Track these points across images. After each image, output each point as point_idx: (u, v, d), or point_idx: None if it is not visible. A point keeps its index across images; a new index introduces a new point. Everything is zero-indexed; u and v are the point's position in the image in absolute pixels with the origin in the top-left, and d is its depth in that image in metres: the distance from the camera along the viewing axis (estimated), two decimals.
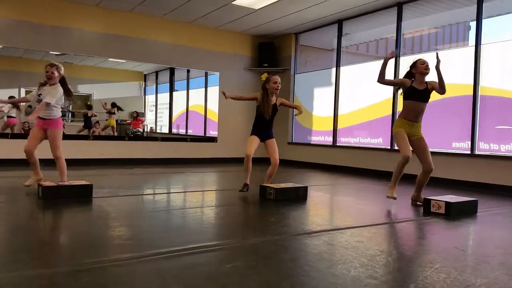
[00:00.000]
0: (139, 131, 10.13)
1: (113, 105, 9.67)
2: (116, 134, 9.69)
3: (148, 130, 10.56)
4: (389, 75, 7.00)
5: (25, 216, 3.49)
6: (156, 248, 2.49)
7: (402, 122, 4.29)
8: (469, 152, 6.00)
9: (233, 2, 7.04)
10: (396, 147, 6.93)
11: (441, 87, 4.15)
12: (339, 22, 8.09)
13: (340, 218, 3.92)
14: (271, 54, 9.27)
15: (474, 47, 6.01)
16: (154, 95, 10.85)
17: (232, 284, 1.96)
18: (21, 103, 6.85)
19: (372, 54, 9.39)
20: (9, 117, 8.33)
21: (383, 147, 7.28)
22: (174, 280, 1.98)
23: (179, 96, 10.62)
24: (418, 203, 4.39)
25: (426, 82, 4.24)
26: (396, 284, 2.03)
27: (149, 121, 10.72)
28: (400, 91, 4.40)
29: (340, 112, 8.19)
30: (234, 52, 9.19)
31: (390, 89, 6.99)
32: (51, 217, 3.50)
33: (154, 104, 10.87)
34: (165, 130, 10.71)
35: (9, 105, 7.25)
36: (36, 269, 2.08)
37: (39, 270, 2.07)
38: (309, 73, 9.07)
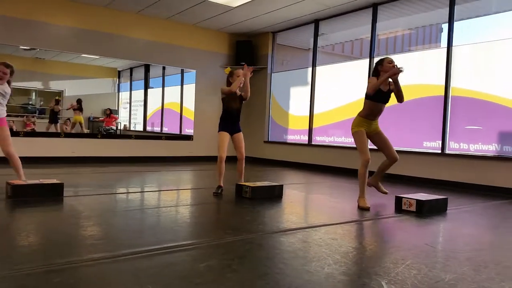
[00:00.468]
0: (112, 129, 9.95)
1: (79, 101, 9.44)
2: (85, 130, 9.47)
3: (122, 127, 10.39)
4: (365, 75, 7.14)
5: None
6: (130, 247, 2.46)
7: (362, 120, 4.23)
8: (439, 151, 6.16)
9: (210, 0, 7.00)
10: (369, 146, 7.05)
11: (399, 97, 4.15)
12: (316, 22, 8.16)
13: (315, 216, 3.96)
14: (249, 52, 9.26)
15: (446, 48, 6.17)
16: (128, 92, 10.67)
17: (207, 283, 1.96)
18: None
19: (347, 55, 9.51)
20: None
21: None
22: (148, 279, 1.96)
23: (154, 93, 10.48)
24: (374, 187, 4.47)
25: (389, 83, 4.18)
26: (369, 280, 2.06)
27: (122, 119, 10.53)
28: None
29: (315, 111, 8.26)
30: (211, 50, 9.14)
31: (364, 89, 7.10)
32: (20, 216, 3.39)
33: (128, 101, 10.69)
34: (140, 128, 10.55)
35: None
36: (4, 271, 2.02)
37: (7, 271, 2.01)
38: (285, 72, 9.11)
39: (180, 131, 9.72)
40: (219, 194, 4.59)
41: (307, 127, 8.37)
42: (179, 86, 9.86)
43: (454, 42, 6.10)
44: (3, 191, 4.01)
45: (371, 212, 4.08)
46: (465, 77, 6.00)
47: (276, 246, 2.68)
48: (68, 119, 9.32)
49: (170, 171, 6.98)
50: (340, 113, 7.76)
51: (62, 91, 9.52)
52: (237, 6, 7.29)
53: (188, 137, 9.15)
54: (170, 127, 10.07)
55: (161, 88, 10.34)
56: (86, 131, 9.44)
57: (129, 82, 10.62)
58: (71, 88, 9.56)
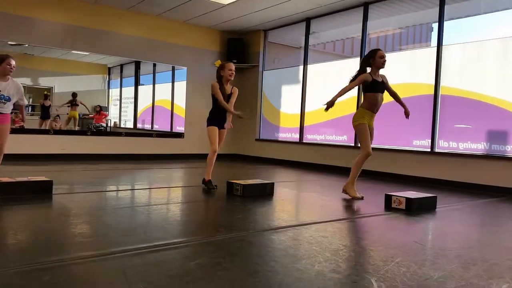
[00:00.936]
0: (102, 126, 9.87)
1: (74, 95, 9.35)
2: (77, 127, 9.39)
3: (112, 124, 10.31)
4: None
5: None
6: (119, 245, 2.44)
7: (365, 112, 4.43)
8: (429, 149, 6.21)
9: None
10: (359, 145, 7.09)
11: (396, 98, 4.56)
12: (307, 20, 8.16)
13: (306, 213, 3.97)
14: (240, 50, 9.25)
15: (436, 48, 6.21)
16: (119, 89, 10.59)
17: (197, 281, 1.95)
18: None
19: (338, 53, 9.54)
20: None
21: (347, 144, 7.42)
22: (138, 277, 1.95)
23: (145, 90, 10.41)
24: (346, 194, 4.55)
25: (380, 75, 4.45)
26: (359, 278, 2.07)
27: (112, 116, 10.45)
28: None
29: (307, 109, 8.28)
30: (203, 47, 9.10)
31: (355, 88, 7.13)
32: (8, 214, 3.35)
33: (118, 98, 10.61)
34: (130, 125, 10.48)
35: None
36: None
37: None
38: (277, 70, 9.11)
39: (171, 128, 9.68)
40: (215, 188, 4.63)
41: (299, 125, 8.39)
42: (170, 83, 9.81)
43: (444, 42, 6.15)
44: None
45: (362, 210, 4.10)
46: (455, 76, 6.05)
47: (267, 244, 2.68)
48: (58, 116, 9.22)
49: (161, 168, 6.95)
50: (331, 112, 7.74)
51: (52, 87, 9.41)
52: (228, 4, 7.27)
53: (179, 135, 9.12)
54: (161, 125, 10.01)
55: (151, 85, 10.27)
56: (76, 128, 9.36)
57: (119, 79, 10.53)
58: (60, 85, 9.45)
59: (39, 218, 3.24)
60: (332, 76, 7.78)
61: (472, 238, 3.21)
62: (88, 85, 10.02)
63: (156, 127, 10.12)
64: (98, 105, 9.88)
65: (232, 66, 4.73)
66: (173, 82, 9.77)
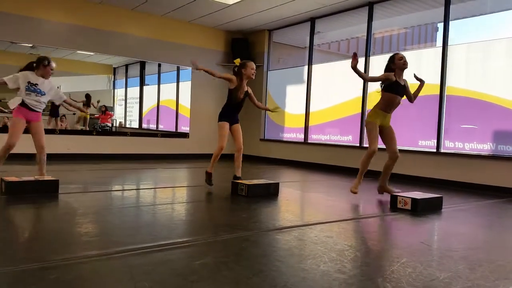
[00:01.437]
0: (108, 126, 9.91)
1: (88, 97, 9.40)
2: (87, 128, 9.44)
3: (117, 124, 10.35)
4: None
5: None
6: (125, 245, 2.45)
7: (378, 113, 4.48)
8: (435, 150, 6.19)
9: None
10: (365, 144, 7.07)
11: (413, 97, 4.52)
12: (312, 20, 8.15)
13: (310, 214, 3.96)
14: (244, 50, 9.24)
15: (441, 47, 6.18)
16: (124, 89, 10.63)
17: (202, 280, 1.95)
18: None
19: (343, 53, 9.52)
20: None
21: (352, 144, 7.40)
22: (143, 277, 1.95)
23: (150, 90, 10.45)
24: (385, 193, 4.54)
25: (403, 79, 4.48)
26: (364, 278, 2.07)
27: (118, 116, 10.50)
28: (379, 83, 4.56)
29: (311, 109, 8.27)
30: (207, 47, 9.11)
31: (360, 87, 7.13)
32: (15, 213, 3.38)
33: (124, 98, 10.65)
34: (135, 125, 10.52)
35: None
36: (0, 267, 2.01)
37: (3, 267, 2.00)
38: (281, 70, 9.11)
39: (176, 128, 9.70)
40: (211, 185, 4.72)
41: (303, 125, 8.38)
42: (175, 83, 9.83)
43: (450, 42, 6.12)
44: None
45: (367, 210, 4.09)
46: (461, 76, 6.02)
47: (272, 244, 2.68)
48: (64, 115, 9.27)
49: (166, 168, 6.96)
50: (336, 112, 7.77)
51: (58, 87, 9.45)
52: (233, 4, 7.27)
53: (184, 135, 9.13)
54: (166, 125, 10.04)
55: (156, 85, 10.30)
56: (81, 127, 9.41)
57: (124, 79, 10.58)
58: (66, 85, 9.50)
59: (45, 217, 3.26)
60: (337, 76, 7.77)
61: (478, 239, 3.19)
62: (93, 85, 10.07)
63: (161, 127, 10.15)
64: (104, 105, 9.93)
65: (254, 65, 4.78)
66: (178, 82, 9.79)
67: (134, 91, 10.53)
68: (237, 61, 4.78)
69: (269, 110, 5.20)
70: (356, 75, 4.38)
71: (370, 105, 7.03)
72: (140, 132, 9.65)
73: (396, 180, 6.30)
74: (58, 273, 1.95)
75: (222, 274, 2.04)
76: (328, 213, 3.86)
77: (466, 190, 5.55)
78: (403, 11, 7.06)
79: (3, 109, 7.98)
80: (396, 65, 4.38)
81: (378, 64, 6.58)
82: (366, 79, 4.50)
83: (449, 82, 6.12)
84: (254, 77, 4.79)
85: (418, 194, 4.14)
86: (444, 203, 4.23)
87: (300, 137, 8.46)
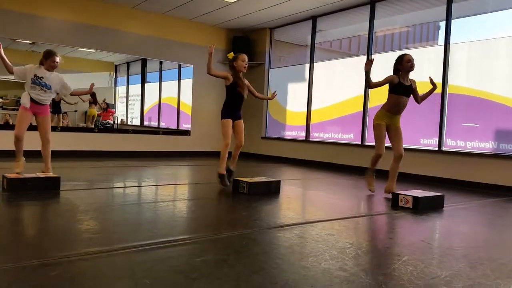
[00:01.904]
0: (109, 123, 9.91)
1: (93, 94, 9.40)
2: (82, 124, 9.44)
3: (119, 122, 10.35)
4: (362, 72, 7.12)
5: None
6: (126, 242, 2.45)
7: (384, 114, 4.53)
8: (436, 148, 6.18)
9: None
10: (366, 143, 7.07)
11: (421, 99, 4.57)
12: (313, 19, 8.14)
13: (312, 211, 3.96)
14: (246, 48, 9.22)
15: (443, 46, 6.17)
16: (125, 87, 10.63)
17: (203, 277, 1.95)
18: None
19: (344, 51, 9.51)
20: None
21: (354, 142, 7.40)
22: (144, 273, 1.96)
23: (151, 88, 10.44)
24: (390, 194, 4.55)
25: (409, 79, 4.51)
26: (365, 276, 2.07)
27: (119, 113, 10.50)
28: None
29: (313, 107, 8.26)
30: (208, 45, 9.09)
31: (361, 86, 7.11)
32: (16, 210, 3.38)
33: (125, 95, 10.65)
34: (137, 122, 10.52)
35: None
36: (0, 264, 2.01)
37: (3, 264, 2.00)
38: (283, 68, 9.10)
39: (178, 126, 9.70)
40: (228, 185, 4.64)
41: (305, 123, 8.37)
42: (177, 81, 9.83)
43: (452, 40, 6.10)
44: None
45: (368, 208, 4.09)
46: (462, 74, 6.01)
47: (272, 242, 2.68)
48: (65, 112, 9.27)
49: (167, 166, 6.97)
50: (338, 110, 7.76)
51: None
52: (234, 2, 7.26)
53: (186, 132, 9.14)
54: (167, 122, 10.04)
55: (158, 83, 10.30)
56: (82, 125, 9.41)
57: (126, 77, 10.57)
58: (67, 82, 9.49)
59: (47, 214, 3.26)
60: (339, 74, 7.75)
61: (479, 237, 3.19)
62: (95, 83, 10.05)
63: (162, 124, 10.15)
64: (105, 103, 9.93)
65: (245, 57, 4.71)
66: (179, 79, 9.79)
67: (135, 89, 10.52)
68: (230, 55, 4.75)
69: (269, 99, 5.22)
70: (362, 77, 4.47)
71: (371, 103, 7.03)
72: (141, 130, 9.66)
73: (398, 179, 6.29)
74: (59, 270, 1.95)
75: (223, 272, 2.04)
76: (330, 211, 3.86)
77: (468, 189, 5.54)
78: (405, 10, 7.04)
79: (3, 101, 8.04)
80: (404, 66, 4.41)
81: (379, 63, 6.56)
82: (370, 86, 4.52)
83: (451, 81, 6.11)
84: (245, 70, 4.69)
85: (420, 193, 4.14)
86: (446, 201, 4.22)
87: (302, 135, 8.45)
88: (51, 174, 4.13)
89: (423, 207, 3.90)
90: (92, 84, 4.64)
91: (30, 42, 7.47)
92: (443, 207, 4.11)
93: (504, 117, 5.53)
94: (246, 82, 4.84)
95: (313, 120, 8.27)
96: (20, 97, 4.52)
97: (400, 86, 4.42)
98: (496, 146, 5.60)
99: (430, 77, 4.65)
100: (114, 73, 10.35)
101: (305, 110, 8.35)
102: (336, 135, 7.81)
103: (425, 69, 6.41)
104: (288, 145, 8.65)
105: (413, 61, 4.40)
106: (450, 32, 6.11)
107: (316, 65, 8.21)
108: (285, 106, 8.91)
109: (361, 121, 7.18)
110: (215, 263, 2.17)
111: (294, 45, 9.66)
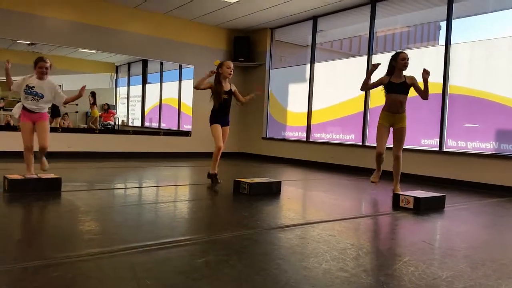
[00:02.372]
0: (110, 124, 9.92)
1: (93, 94, 9.41)
2: (83, 125, 9.45)
3: (120, 123, 10.35)
4: (363, 72, 7.13)
5: None
6: (127, 242, 2.45)
7: (384, 114, 4.62)
8: (437, 149, 6.17)
9: None
10: (367, 143, 7.07)
11: (425, 93, 4.53)
12: (314, 19, 8.14)
13: (313, 212, 3.96)
14: (247, 48, 9.24)
15: (444, 46, 6.16)
16: (126, 87, 10.63)
17: (204, 278, 1.96)
18: None
19: (345, 52, 9.51)
20: None
21: (355, 143, 7.39)
22: (146, 274, 1.96)
23: (152, 88, 10.44)
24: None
25: (404, 76, 4.53)
26: (366, 277, 2.07)
27: (120, 114, 10.50)
28: (381, 87, 4.64)
29: (313, 108, 8.26)
30: (209, 46, 9.11)
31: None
32: (18, 211, 3.38)
33: (126, 96, 10.65)
34: (137, 123, 10.52)
35: None
36: (2, 265, 2.01)
37: (5, 265, 2.00)
38: (284, 68, 9.10)
39: (178, 127, 9.71)
40: (219, 182, 4.82)
41: (305, 124, 8.37)
42: (177, 82, 9.83)
43: (452, 40, 6.10)
44: (0, 185, 3.99)
45: (370, 209, 4.09)
46: (463, 75, 6.01)
47: (273, 242, 2.68)
48: (66, 113, 9.28)
49: (168, 167, 6.97)
50: (338, 110, 7.76)
51: (60, 85, 9.45)
52: (235, 2, 7.27)
53: (186, 133, 9.14)
54: (168, 123, 10.05)
55: (159, 84, 10.30)
56: (83, 126, 9.42)
57: (127, 77, 10.58)
58: (68, 83, 9.50)
59: (48, 215, 3.26)
60: (339, 74, 7.75)
61: (481, 238, 3.18)
62: (96, 83, 10.07)
63: (163, 125, 10.15)
64: (106, 103, 9.93)
65: (231, 64, 4.87)
66: (180, 80, 9.79)
67: (136, 89, 10.53)
68: (216, 62, 4.92)
69: (252, 98, 5.18)
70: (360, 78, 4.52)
71: (372, 104, 7.03)
72: (142, 131, 9.66)
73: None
74: (60, 271, 1.96)
75: (224, 272, 2.04)
76: (331, 212, 3.86)
77: (469, 189, 5.54)
78: (406, 10, 7.04)
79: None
80: (397, 64, 4.46)
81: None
82: (363, 87, 4.66)
83: (451, 81, 6.10)
84: (230, 76, 4.83)
85: (421, 193, 4.14)
86: (447, 202, 4.22)
87: (302, 135, 8.45)
88: (52, 175, 4.14)
89: (424, 208, 3.89)
90: (83, 87, 4.59)
91: (30, 43, 7.47)
92: (444, 208, 4.11)
93: (505, 117, 5.52)
94: (234, 88, 4.98)
95: (313, 121, 8.27)
96: (19, 99, 4.51)
97: (391, 85, 4.50)
98: (497, 146, 5.60)
99: (424, 69, 4.54)
100: (115, 74, 10.35)
101: (306, 110, 8.35)
102: (337, 135, 7.80)
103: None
104: (288, 146, 8.65)
105: (407, 60, 4.45)
106: (451, 32, 6.11)
107: (317, 65, 8.21)
108: (285, 107, 8.91)
109: (362, 122, 7.18)
110: (216, 263, 2.17)
111: (294, 45, 9.66)
